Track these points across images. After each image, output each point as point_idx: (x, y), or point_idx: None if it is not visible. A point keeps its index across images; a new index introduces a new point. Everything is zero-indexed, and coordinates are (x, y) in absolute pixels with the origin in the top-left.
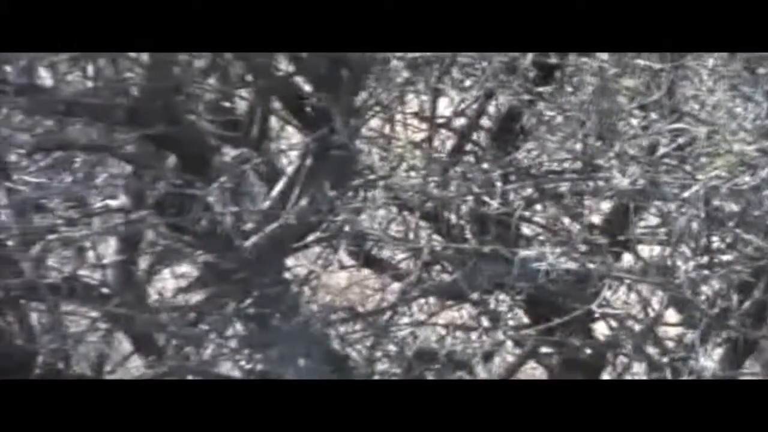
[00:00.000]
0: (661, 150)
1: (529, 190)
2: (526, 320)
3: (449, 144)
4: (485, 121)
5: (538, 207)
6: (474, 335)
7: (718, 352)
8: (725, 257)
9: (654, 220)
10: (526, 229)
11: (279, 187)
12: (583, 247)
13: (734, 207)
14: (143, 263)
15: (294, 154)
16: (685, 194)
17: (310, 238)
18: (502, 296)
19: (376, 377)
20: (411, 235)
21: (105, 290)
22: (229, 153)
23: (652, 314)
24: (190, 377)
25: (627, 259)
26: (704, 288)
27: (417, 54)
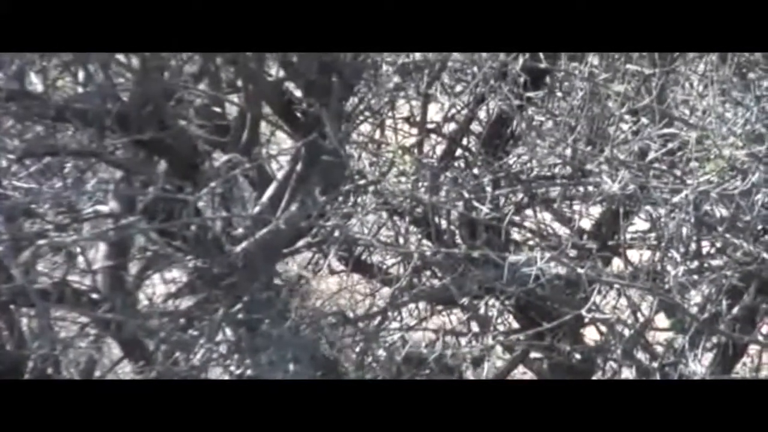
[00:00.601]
0: (651, 155)
1: (520, 195)
2: (516, 325)
3: (439, 149)
4: (475, 127)
5: (529, 212)
6: (464, 340)
7: (708, 356)
8: (715, 262)
9: (644, 225)
10: (516, 234)
11: (269, 192)
12: (573, 252)
13: (724, 212)
14: (133, 269)
15: (284, 160)
16: (675, 199)
17: (300, 243)
18: (492, 301)
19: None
20: (401, 240)
21: (95, 296)
22: (220, 158)
23: (641, 319)
24: None
25: (617, 264)
26: (694, 293)
27: (407, 59)
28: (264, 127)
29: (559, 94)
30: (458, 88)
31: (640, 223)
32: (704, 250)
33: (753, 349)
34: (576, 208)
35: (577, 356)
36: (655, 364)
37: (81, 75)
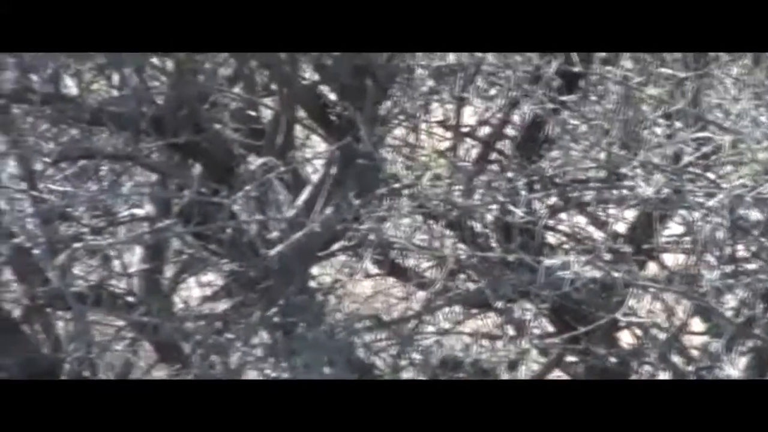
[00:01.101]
0: (686, 159)
1: (554, 199)
2: (551, 329)
3: (474, 153)
4: (510, 130)
5: (563, 216)
6: (499, 344)
7: (743, 360)
8: (750, 266)
9: (678, 229)
10: (551, 238)
11: (304, 195)
12: (607, 256)
13: (759, 215)
14: (169, 272)
15: (319, 163)
16: (710, 203)
17: (335, 246)
18: (527, 305)
19: None
20: (436, 244)
21: (131, 299)
22: (255, 161)
23: (677, 323)
24: None
25: (652, 267)
26: (729, 297)
27: (442, 63)
28: (299, 131)
29: (594, 97)
30: (492, 92)
31: (675, 227)
32: (739, 254)
33: None
34: (611, 211)
35: (613, 360)
36: (691, 368)
37: (116, 78)
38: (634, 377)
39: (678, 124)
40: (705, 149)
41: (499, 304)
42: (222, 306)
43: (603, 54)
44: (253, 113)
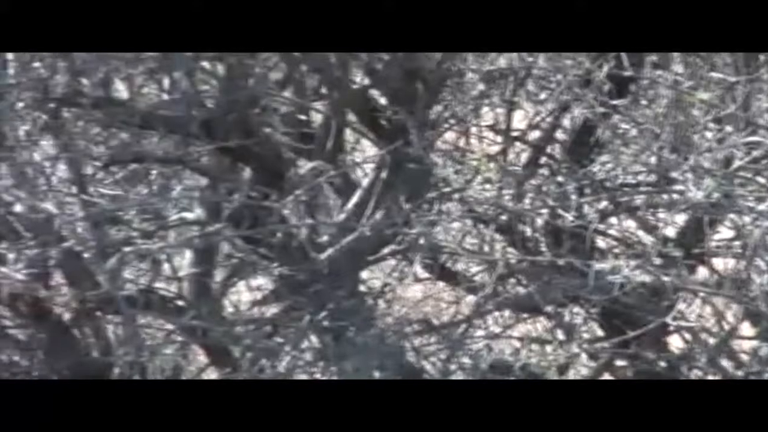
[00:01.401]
0: (736, 163)
1: (604, 203)
2: (600, 333)
3: (524, 157)
4: (560, 134)
5: (613, 220)
6: (549, 348)
7: None
8: None
9: (729, 233)
10: (601, 242)
11: (354, 199)
12: (657, 260)
13: None
14: (219, 276)
15: (369, 167)
16: (760, 207)
17: (385, 250)
18: (576, 309)
19: None
20: (486, 248)
21: (180, 303)
22: (305, 165)
23: (726, 327)
24: None
25: (702, 272)
26: None
27: (492, 66)
28: (349, 135)
29: (644, 101)
30: (543, 96)
31: (725, 231)
32: None
33: None
34: (661, 215)
35: (662, 364)
36: (740, 373)
37: (166, 82)
38: None
39: (728, 128)
40: (755, 153)
41: (549, 309)
42: (272, 310)
43: (654, 58)
44: (303, 117)
